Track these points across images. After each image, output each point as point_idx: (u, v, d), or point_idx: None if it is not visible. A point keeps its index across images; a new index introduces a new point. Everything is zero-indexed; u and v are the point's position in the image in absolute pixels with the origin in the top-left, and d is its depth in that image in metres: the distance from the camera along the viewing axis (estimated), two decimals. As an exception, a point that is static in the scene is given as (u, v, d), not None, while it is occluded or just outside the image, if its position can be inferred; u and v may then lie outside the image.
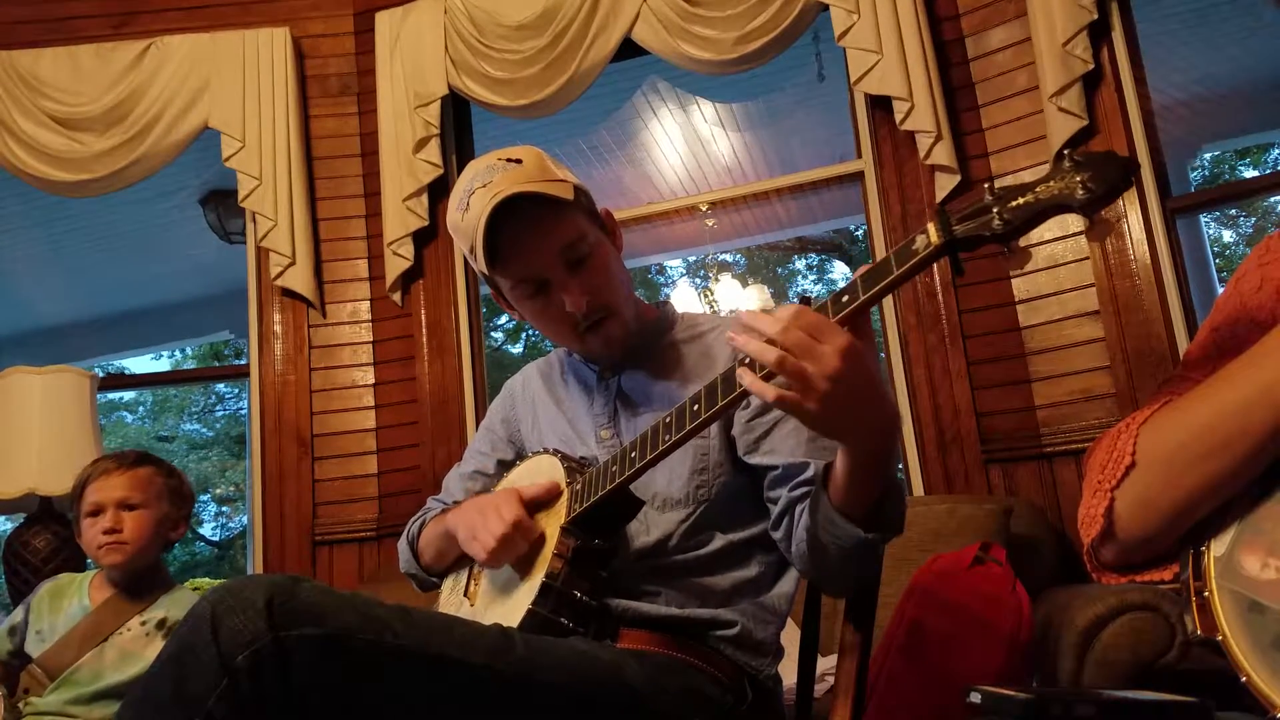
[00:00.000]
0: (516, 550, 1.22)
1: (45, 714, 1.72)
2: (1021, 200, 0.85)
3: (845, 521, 1.04)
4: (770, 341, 0.91)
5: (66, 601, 1.85)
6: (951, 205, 0.90)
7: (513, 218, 1.22)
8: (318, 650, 0.92)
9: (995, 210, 0.86)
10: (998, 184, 0.89)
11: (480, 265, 1.27)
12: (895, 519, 1.08)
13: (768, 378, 0.94)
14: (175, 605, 1.85)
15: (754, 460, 1.25)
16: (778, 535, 1.24)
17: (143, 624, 1.82)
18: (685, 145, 4.92)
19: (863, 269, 0.95)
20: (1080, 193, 0.81)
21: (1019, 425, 2.71)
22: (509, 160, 1.26)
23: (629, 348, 1.36)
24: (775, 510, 1.23)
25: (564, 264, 1.26)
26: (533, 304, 1.31)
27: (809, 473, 1.19)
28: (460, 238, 1.29)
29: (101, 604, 1.83)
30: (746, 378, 0.95)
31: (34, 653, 1.79)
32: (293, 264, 3.20)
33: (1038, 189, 0.84)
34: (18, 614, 1.87)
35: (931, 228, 0.90)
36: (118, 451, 1.93)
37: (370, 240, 3.35)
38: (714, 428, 1.28)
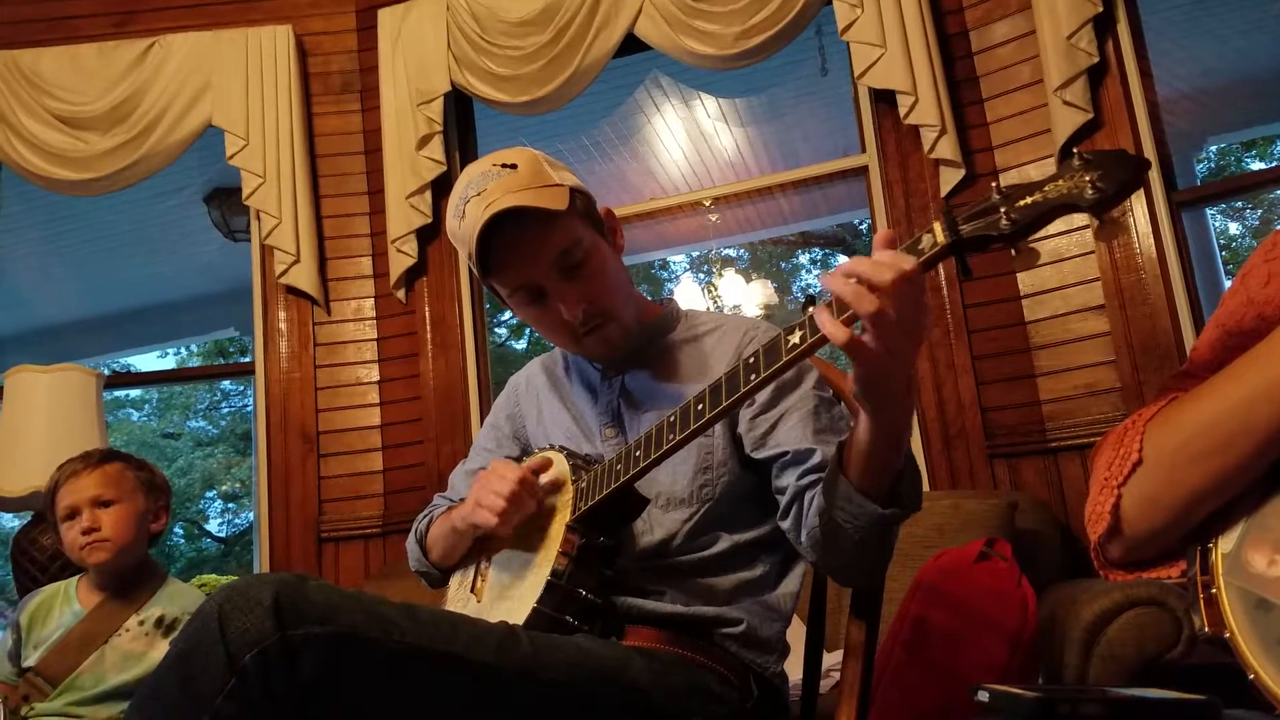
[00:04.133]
0: (526, 508, 1.22)
1: (49, 716, 1.72)
2: (1029, 199, 0.84)
3: (864, 499, 1.04)
4: (872, 291, 0.89)
5: (57, 611, 1.83)
6: (957, 204, 0.89)
7: (506, 228, 1.21)
8: (325, 649, 0.92)
9: (1002, 210, 0.85)
10: (1003, 179, 0.88)
11: (477, 274, 1.28)
12: (913, 495, 1.07)
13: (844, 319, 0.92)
14: (171, 601, 1.84)
15: (761, 454, 1.25)
16: (786, 524, 1.23)
17: (140, 623, 1.80)
18: (688, 140, 4.91)
19: None
20: (1090, 192, 0.79)
21: (1024, 420, 2.70)
22: (504, 165, 1.25)
23: (631, 347, 1.36)
24: (784, 499, 1.23)
25: (559, 272, 1.26)
26: (530, 310, 1.31)
27: (817, 459, 1.19)
28: (458, 245, 1.30)
29: (95, 607, 1.81)
30: (823, 316, 0.93)
31: (33, 664, 1.77)
32: (297, 261, 3.21)
33: (1046, 188, 0.83)
34: (8, 639, 1.84)
35: (937, 227, 0.89)
36: (83, 452, 1.90)
37: (374, 237, 3.35)
38: (718, 427, 1.28)
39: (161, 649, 1.75)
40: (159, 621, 1.81)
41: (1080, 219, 2.67)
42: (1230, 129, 5.96)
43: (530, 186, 1.23)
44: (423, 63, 3.26)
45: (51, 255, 5.26)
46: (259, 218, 3.28)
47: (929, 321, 0.95)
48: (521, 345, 12.22)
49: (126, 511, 1.82)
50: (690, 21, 3.05)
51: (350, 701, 0.94)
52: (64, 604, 1.84)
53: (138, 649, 1.78)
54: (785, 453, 1.22)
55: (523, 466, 1.25)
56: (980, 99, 2.87)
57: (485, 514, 1.23)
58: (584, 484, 1.23)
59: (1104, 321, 2.66)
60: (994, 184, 0.88)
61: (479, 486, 1.27)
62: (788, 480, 1.22)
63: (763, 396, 1.26)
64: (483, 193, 1.23)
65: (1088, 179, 0.80)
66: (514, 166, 1.25)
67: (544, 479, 1.28)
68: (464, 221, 1.24)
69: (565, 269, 1.26)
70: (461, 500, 1.46)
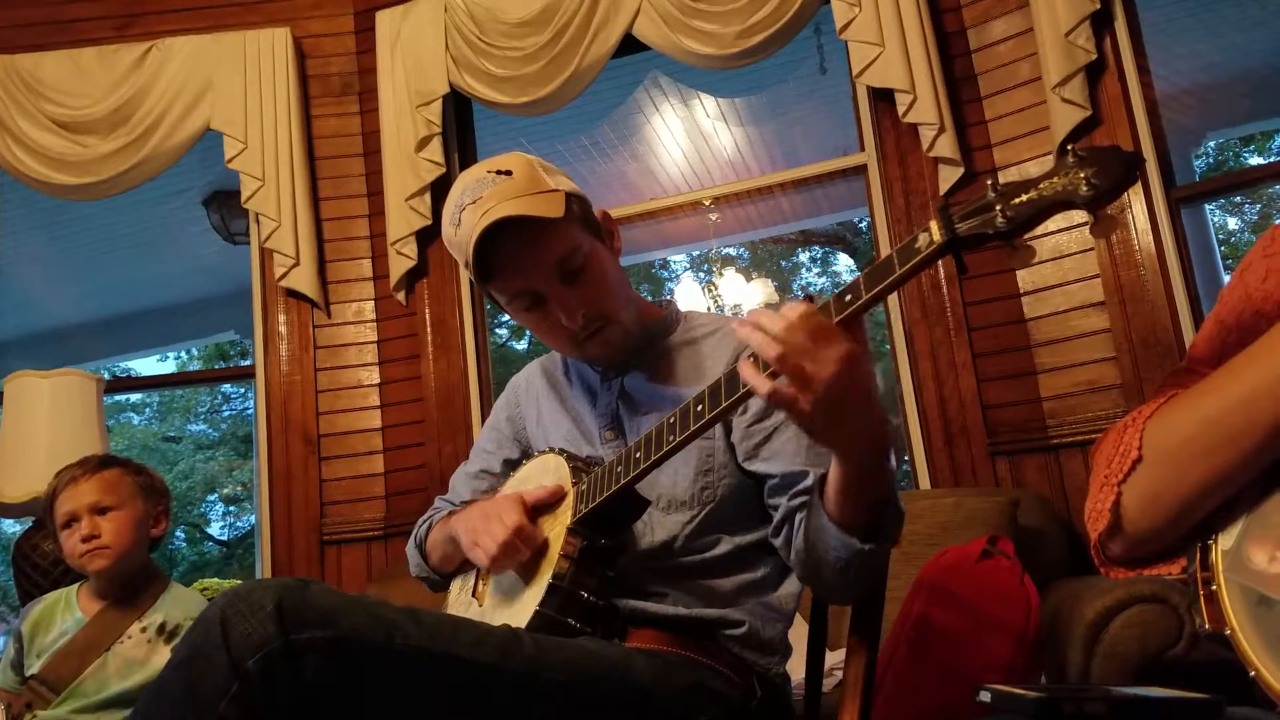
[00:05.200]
0: (519, 556, 1.22)
1: None
2: (1024, 197, 0.84)
3: (840, 532, 1.05)
4: (775, 339, 0.92)
5: (59, 619, 1.83)
6: (954, 202, 0.90)
7: (504, 236, 1.21)
8: (328, 653, 0.92)
9: (998, 207, 0.85)
10: (1002, 176, 0.88)
11: (476, 282, 1.28)
12: (891, 530, 1.08)
13: (771, 375, 0.95)
14: (174, 606, 1.84)
15: (753, 467, 1.25)
16: (778, 542, 1.24)
17: (142, 630, 1.80)
18: (688, 140, 4.91)
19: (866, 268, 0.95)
20: (1084, 189, 0.80)
21: (1025, 417, 2.70)
22: (498, 172, 1.25)
23: (631, 350, 1.36)
24: (776, 517, 1.23)
25: (558, 278, 1.26)
26: (530, 316, 1.31)
27: (808, 481, 1.19)
28: (455, 252, 1.29)
29: (97, 614, 1.80)
30: (746, 369, 0.96)
31: (36, 672, 1.77)
32: (297, 264, 3.21)
33: (1041, 185, 0.83)
34: (10, 649, 1.84)
35: (934, 225, 0.89)
36: (81, 458, 1.89)
37: (374, 239, 3.35)
38: (718, 430, 1.28)
39: (164, 655, 1.75)
40: (160, 628, 1.80)
41: (1080, 216, 2.67)
42: (1229, 124, 5.95)
43: (526, 193, 1.23)
44: (421, 64, 3.26)
45: (51, 259, 5.26)
46: (258, 221, 3.28)
47: (854, 378, 0.93)
48: (522, 346, 12.22)
49: (125, 517, 1.81)
50: (689, 21, 3.05)
51: (353, 704, 0.95)
52: (66, 611, 1.84)
53: (139, 656, 1.77)
54: (775, 475, 1.23)
55: (523, 511, 1.24)
56: (979, 97, 2.87)
57: (480, 555, 1.24)
58: (584, 486, 1.23)
59: (1104, 318, 2.66)
60: (989, 182, 0.88)
61: (481, 521, 1.26)
62: (779, 500, 1.23)
63: (759, 404, 1.25)
64: (478, 200, 1.22)
65: (1082, 175, 0.80)
66: (509, 173, 1.25)
67: (544, 491, 1.27)
68: (460, 229, 1.24)
69: (564, 276, 1.26)
70: (464, 503, 1.46)
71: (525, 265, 1.25)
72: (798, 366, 0.91)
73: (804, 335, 0.91)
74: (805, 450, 1.22)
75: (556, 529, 1.24)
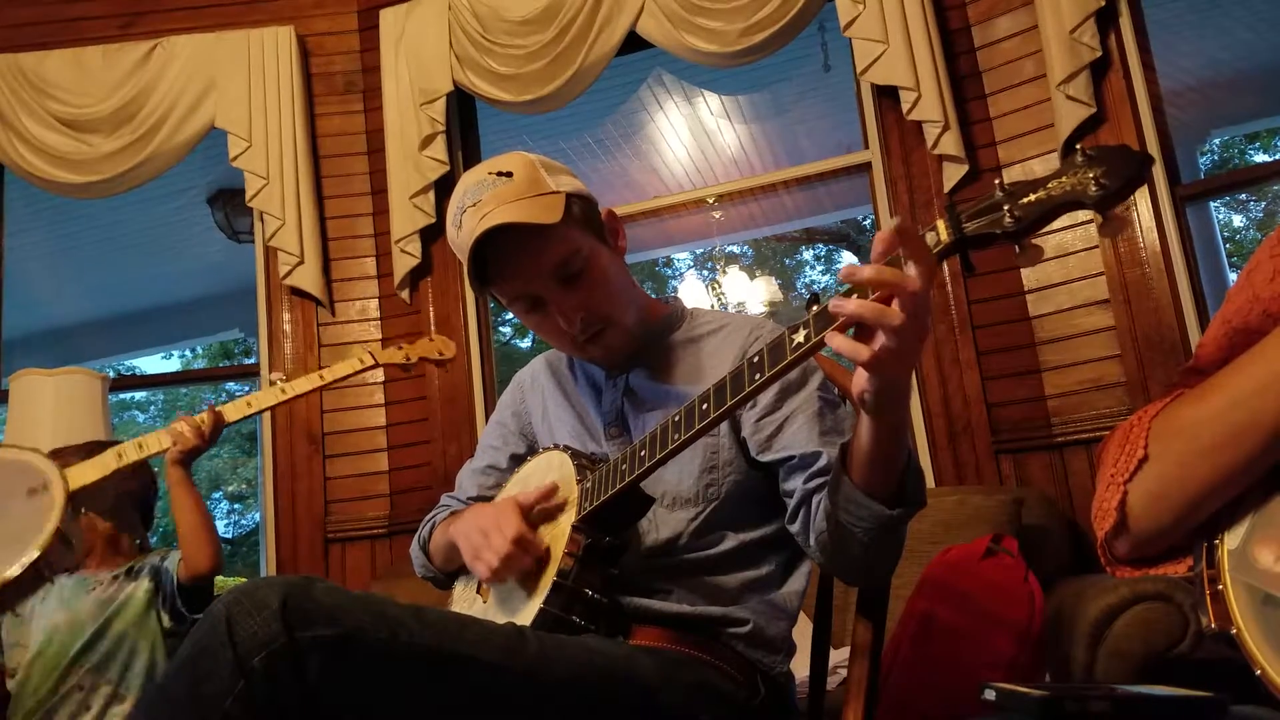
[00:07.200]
0: (520, 565, 1.21)
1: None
2: (1033, 197, 0.83)
3: (869, 500, 1.04)
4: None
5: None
6: (961, 201, 0.89)
7: (502, 240, 1.21)
8: (333, 651, 0.92)
9: (1006, 207, 0.84)
10: (1007, 174, 0.88)
11: (474, 286, 1.28)
12: (918, 491, 1.08)
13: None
14: (144, 558, 1.99)
15: (768, 457, 1.25)
16: (795, 528, 1.23)
17: (114, 577, 1.95)
18: (691, 138, 4.91)
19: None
20: (1093, 189, 0.79)
21: (1029, 415, 2.70)
22: (499, 174, 1.25)
23: (636, 348, 1.36)
24: (791, 503, 1.22)
25: (557, 281, 1.25)
26: (530, 318, 1.31)
27: (823, 462, 1.19)
28: (458, 252, 1.29)
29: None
30: (840, 340, 0.91)
31: (11, 656, 1.92)
32: (301, 263, 3.21)
33: (1049, 185, 0.83)
34: None
35: (941, 225, 0.88)
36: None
37: (378, 238, 3.36)
38: (724, 426, 1.27)
39: (134, 589, 1.92)
40: (129, 570, 1.96)
41: (1084, 214, 2.66)
42: (1234, 122, 5.93)
43: (525, 196, 1.22)
44: (425, 62, 3.26)
45: (56, 257, 5.27)
46: (262, 219, 3.28)
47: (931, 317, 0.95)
48: (526, 344, 12.22)
49: None
50: (692, 19, 3.04)
51: (358, 703, 0.95)
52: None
53: (109, 595, 1.93)
54: (791, 456, 1.22)
55: (521, 519, 1.22)
56: (983, 94, 2.86)
57: (482, 569, 1.24)
58: (589, 484, 1.22)
59: (1109, 316, 2.65)
60: (997, 181, 0.87)
61: (479, 535, 1.24)
62: (795, 484, 1.22)
63: (767, 399, 1.25)
64: (478, 203, 1.22)
65: (1091, 175, 0.80)
66: (509, 174, 1.24)
67: (539, 493, 1.27)
68: (461, 232, 1.25)
69: (563, 280, 1.26)
70: (470, 499, 1.47)
71: (522, 270, 1.25)
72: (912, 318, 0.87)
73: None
74: (818, 436, 1.22)
75: (561, 526, 1.24)
